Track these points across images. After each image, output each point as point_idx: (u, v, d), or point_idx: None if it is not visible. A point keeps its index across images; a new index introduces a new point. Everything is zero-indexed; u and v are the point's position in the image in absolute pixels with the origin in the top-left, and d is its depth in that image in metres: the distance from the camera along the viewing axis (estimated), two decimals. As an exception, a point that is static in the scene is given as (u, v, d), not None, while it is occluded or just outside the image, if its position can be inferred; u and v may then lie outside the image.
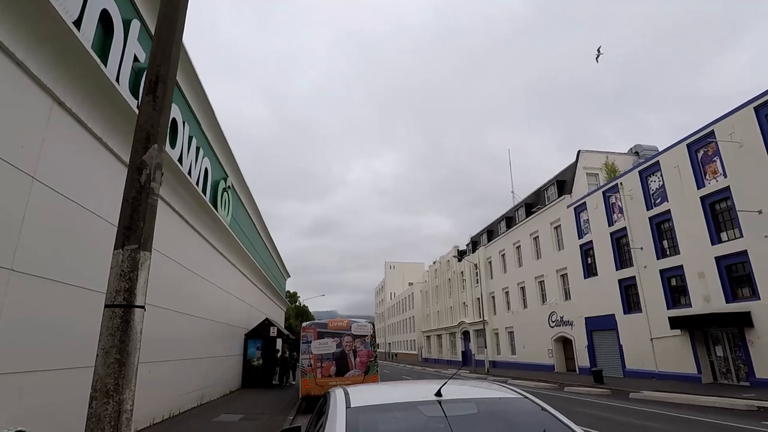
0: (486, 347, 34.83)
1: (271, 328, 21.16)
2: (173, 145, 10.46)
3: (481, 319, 36.23)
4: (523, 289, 34.07)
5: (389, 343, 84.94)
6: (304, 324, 13.62)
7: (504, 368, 34.11)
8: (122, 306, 2.12)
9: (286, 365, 22.39)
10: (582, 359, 25.73)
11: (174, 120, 10.46)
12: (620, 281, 22.92)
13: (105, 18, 7.12)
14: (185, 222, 12.21)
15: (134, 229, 2.25)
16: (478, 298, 40.72)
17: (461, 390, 2.71)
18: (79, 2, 6.33)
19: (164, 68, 2.56)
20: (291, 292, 66.04)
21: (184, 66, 11.00)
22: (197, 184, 12.52)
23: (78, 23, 6.30)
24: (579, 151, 30.03)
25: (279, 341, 21.76)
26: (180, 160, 10.90)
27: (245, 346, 20.66)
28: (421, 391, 2.58)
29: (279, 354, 22.20)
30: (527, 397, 2.55)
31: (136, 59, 8.28)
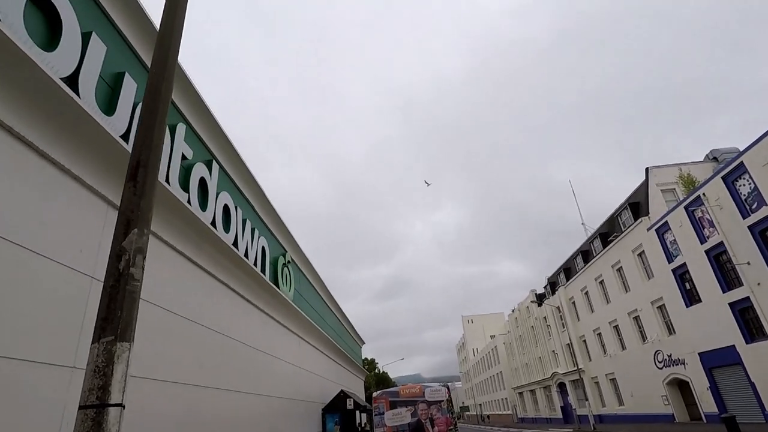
0: (587, 399, 31.13)
1: (348, 400, 20.47)
2: (227, 230, 10.99)
3: (576, 368, 32.79)
4: (616, 328, 30.68)
5: (479, 405, 79.08)
6: (374, 394, 12.98)
7: (613, 422, 30.02)
8: (94, 406, 1.95)
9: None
10: (707, 404, 21.94)
11: (226, 206, 11.08)
12: (731, 305, 19.85)
13: (152, 125, 7.89)
14: (247, 301, 12.49)
15: (111, 319, 2.14)
16: (568, 344, 37.20)
17: None
18: (126, 119, 7.03)
19: (145, 154, 2.58)
20: (369, 359, 64.77)
21: (233, 158, 11.82)
22: (255, 263, 12.94)
23: (126, 135, 6.97)
24: (647, 168, 27.82)
25: (358, 413, 20.91)
26: (235, 243, 11.37)
27: (323, 421, 20.04)
28: None
29: (360, 427, 21.24)
30: None
31: (184, 157, 8.99)
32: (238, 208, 11.95)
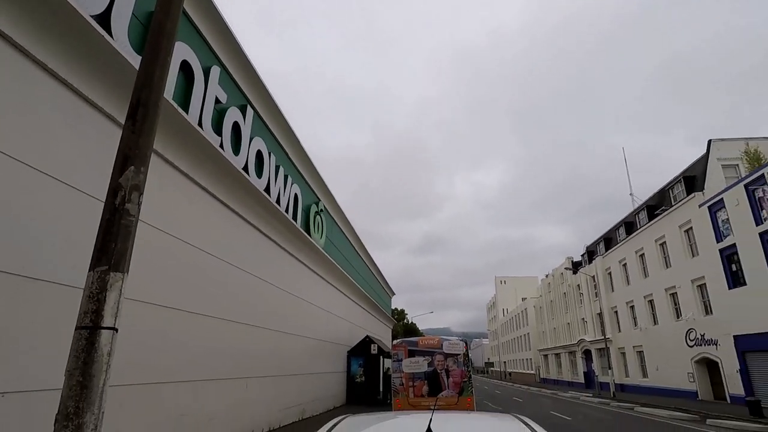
0: (611, 368, 31.01)
1: (372, 345, 21.39)
2: (259, 175, 11.27)
3: (604, 337, 32.48)
4: (651, 302, 29.82)
5: (504, 362, 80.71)
6: (394, 342, 13.46)
7: (634, 393, 29.92)
8: (88, 328, 2.14)
9: (390, 383, 22.37)
10: (734, 386, 21.35)
11: (259, 152, 11.29)
12: (779, 291, 18.72)
13: (186, 68, 7.97)
14: (279, 246, 12.98)
15: (105, 250, 2.29)
16: (599, 314, 36.67)
17: (459, 428, 2.24)
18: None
19: (146, 92, 2.64)
20: (399, 309, 66.77)
21: (268, 104, 11.87)
22: (287, 209, 13.29)
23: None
24: (710, 141, 25.71)
25: (382, 359, 21.84)
26: (267, 189, 11.67)
27: (348, 363, 21.17)
28: (413, 426, 2.19)
29: (385, 371, 22.27)
30: None
31: (217, 101, 9.14)
32: (271, 154, 12.15)
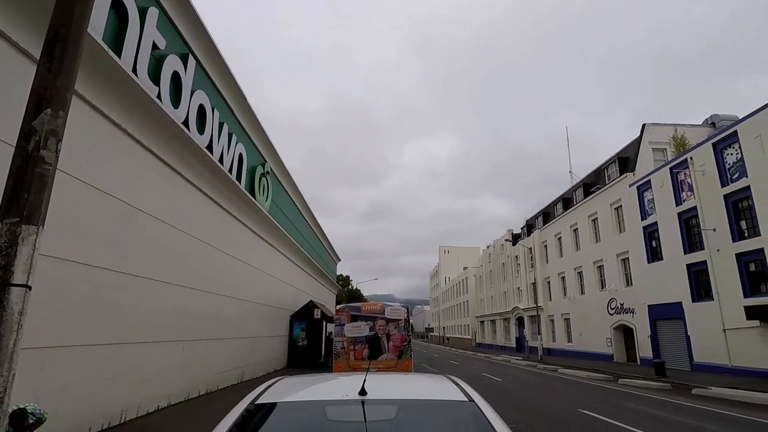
0: (540, 334, 33.46)
1: (315, 310, 21.54)
2: (201, 131, 10.64)
3: (536, 305, 34.81)
4: (580, 274, 32.18)
5: (443, 327, 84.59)
6: (337, 307, 13.64)
7: (559, 356, 32.64)
8: (-5, 284, 1.94)
9: (332, 346, 22.78)
10: (644, 350, 23.87)
11: (202, 106, 10.62)
12: (689, 266, 20.81)
13: (119, 7, 7.20)
14: (220, 207, 12.49)
15: (16, 200, 2.07)
16: (533, 284, 39.09)
17: (392, 387, 2.31)
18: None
19: (65, 28, 2.34)
20: (344, 275, 67.48)
21: (212, 55, 11.09)
22: (231, 170, 12.74)
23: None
24: (644, 125, 27.43)
25: (325, 323, 22.11)
26: (209, 147, 11.07)
27: (291, 327, 21.24)
28: (347, 386, 2.23)
29: (327, 336, 22.61)
30: (473, 401, 2.04)
31: (155, 47, 8.39)
32: (215, 109, 11.47)
